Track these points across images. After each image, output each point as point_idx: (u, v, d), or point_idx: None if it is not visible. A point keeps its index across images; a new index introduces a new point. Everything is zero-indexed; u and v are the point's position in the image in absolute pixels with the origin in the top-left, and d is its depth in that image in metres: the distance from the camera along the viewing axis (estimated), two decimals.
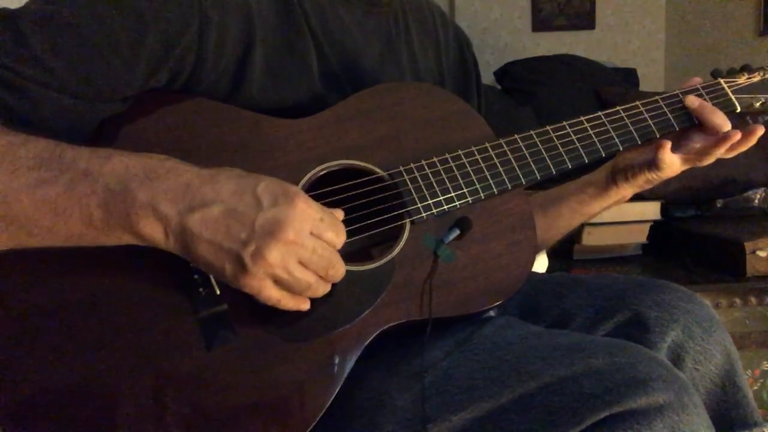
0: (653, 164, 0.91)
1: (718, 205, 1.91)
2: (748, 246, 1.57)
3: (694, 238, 1.76)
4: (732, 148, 0.89)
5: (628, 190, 0.97)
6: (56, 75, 0.65)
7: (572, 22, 3.08)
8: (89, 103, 0.68)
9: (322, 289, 0.68)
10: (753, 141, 0.89)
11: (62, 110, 0.66)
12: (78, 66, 0.66)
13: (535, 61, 2.59)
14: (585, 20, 3.08)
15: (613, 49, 3.10)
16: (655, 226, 1.82)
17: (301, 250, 0.64)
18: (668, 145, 0.89)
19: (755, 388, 1.57)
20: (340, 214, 0.70)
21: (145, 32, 0.69)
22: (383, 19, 0.94)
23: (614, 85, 2.43)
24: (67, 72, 0.66)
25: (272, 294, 0.65)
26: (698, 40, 2.96)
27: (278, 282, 0.65)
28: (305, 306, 0.68)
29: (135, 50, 0.68)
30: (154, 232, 0.62)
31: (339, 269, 0.68)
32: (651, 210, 1.78)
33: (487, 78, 2.65)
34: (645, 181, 0.94)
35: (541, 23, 3.07)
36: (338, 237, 0.67)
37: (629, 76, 2.65)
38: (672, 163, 0.90)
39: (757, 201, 1.90)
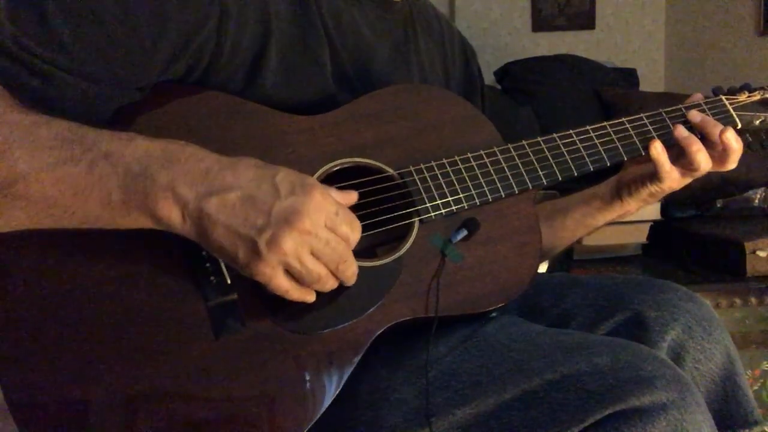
0: (654, 176, 0.91)
1: (718, 205, 1.91)
2: (748, 246, 1.57)
3: (694, 238, 1.76)
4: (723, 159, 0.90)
5: (632, 204, 0.98)
6: (77, 60, 0.66)
7: (572, 22, 3.08)
8: (107, 89, 0.68)
9: (331, 283, 0.68)
10: (736, 150, 0.89)
11: (80, 95, 0.67)
12: (99, 53, 0.67)
13: (535, 61, 2.59)
14: (585, 20, 3.08)
15: (613, 49, 3.10)
16: (655, 226, 1.82)
17: (315, 240, 0.64)
18: (656, 142, 0.89)
19: (755, 388, 1.57)
20: (354, 195, 0.71)
21: (166, 23, 0.69)
22: (394, 23, 0.95)
23: (614, 85, 2.43)
24: (89, 58, 0.66)
25: (282, 283, 0.66)
26: (698, 40, 2.96)
27: (289, 271, 0.65)
28: (310, 298, 0.69)
29: (155, 40, 0.69)
30: (171, 214, 0.63)
31: (350, 266, 0.69)
32: (651, 210, 1.78)
33: (487, 78, 2.64)
34: (648, 194, 0.95)
35: (541, 23, 3.07)
36: (353, 232, 0.67)
37: (629, 76, 2.65)
38: (671, 171, 0.90)
39: (757, 201, 1.90)
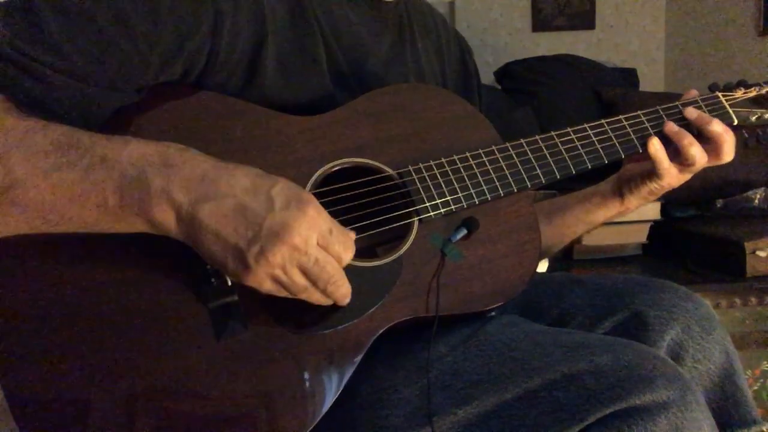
0: (653, 173, 0.92)
1: (718, 205, 1.91)
2: (748, 246, 1.57)
3: (694, 238, 1.76)
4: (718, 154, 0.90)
5: (632, 201, 0.99)
6: (71, 62, 0.66)
7: (572, 22, 3.07)
8: (103, 91, 0.68)
9: (317, 296, 0.68)
10: (727, 140, 0.89)
11: (77, 96, 0.67)
12: (93, 54, 0.67)
13: (535, 61, 2.59)
14: (585, 20, 3.08)
15: (613, 49, 3.10)
16: (655, 226, 1.82)
17: (304, 258, 0.64)
18: (654, 139, 0.90)
19: (755, 388, 1.57)
20: (352, 234, 0.69)
21: (159, 25, 0.70)
22: (389, 22, 0.95)
23: (614, 85, 2.43)
24: (83, 59, 0.66)
25: (271, 289, 0.66)
26: (698, 40, 2.96)
27: (276, 281, 0.65)
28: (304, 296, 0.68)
29: (150, 43, 0.69)
30: (166, 218, 0.63)
31: (340, 287, 0.68)
32: (651, 210, 1.78)
33: (487, 78, 2.65)
34: (648, 192, 0.96)
35: (541, 23, 3.07)
36: (346, 252, 0.67)
37: (629, 76, 2.65)
38: (670, 168, 0.91)
39: (757, 201, 1.90)
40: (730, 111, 0.94)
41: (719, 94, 0.96)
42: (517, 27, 3.08)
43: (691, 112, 0.92)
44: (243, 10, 0.76)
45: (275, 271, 0.64)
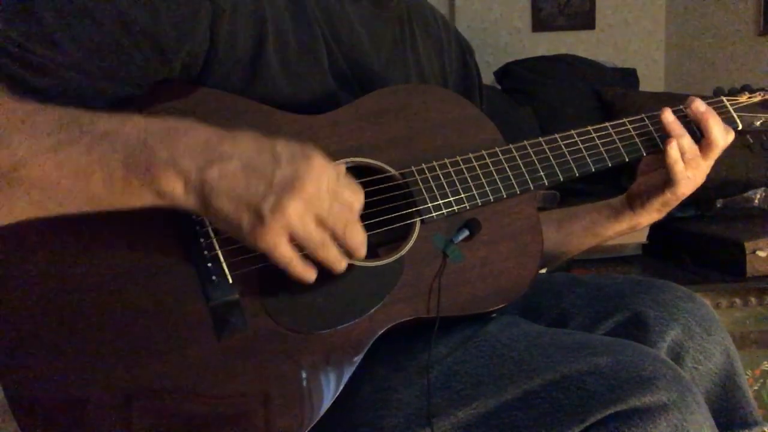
0: (666, 181, 0.91)
1: (718, 205, 1.91)
2: (748, 246, 1.57)
3: (694, 238, 1.76)
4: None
5: (644, 216, 0.98)
6: (72, 57, 0.66)
7: (572, 22, 3.08)
8: (101, 84, 0.69)
9: (334, 252, 0.67)
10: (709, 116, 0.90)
11: (75, 89, 0.67)
12: (92, 50, 0.67)
13: (535, 61, 2.59)
14: (585, 20, 3.08)
15: (613, 49, 3.10)
16: (655, 226, 1.82)
17: (319, 204, 0.64)
18: (673, 140, 0.89)
19: (755, 388, 1.57)
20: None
21: (158, 22, 0.70)
22: (390, 22, 0.95)
23: (614, 85, 2.43)
24: (82, 54, 0.67)
25: (285, 252, 0.65)
26: (698, 40, 2.96)
27: (294, 238, 0.64)
28: (311, 275, 0.67)
29: (148, 39, 0.69)
30: (174, 187, 0.62)
31: (358, 232, 0.67)
32: None
33: (487, 78, 2.65)
34: (661, 204, 0.95)
35: (541, 23, 3.07)
36: (356, 196, 0.67)
37: (629, 76, 2.65)
38: (683, 171, 0.90)
39: (757, 201, 1.90)
40: (735, 115, 0.94)
41: (724, 99, 0.96)
42: (517, 27, 3.08)
43: (697, 106, 0.91)
44: (242, 10, 0.76)
45: (292, 224, 0.63)
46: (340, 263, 0.68)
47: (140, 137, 0.62)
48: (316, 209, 0.64)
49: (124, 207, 0.64)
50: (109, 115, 0.64)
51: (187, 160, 0.62)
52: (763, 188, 1.90)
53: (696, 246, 1.74)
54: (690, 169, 0.90)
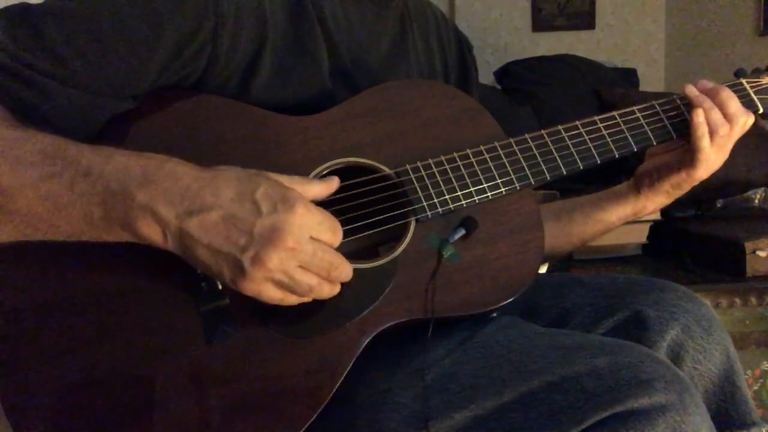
0: (687, 161, 0.88)
1: (718, 205, 1.91)
2: (748, 246, 1.57)
3: (694, 238, 1.76)
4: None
5: (650, 198, 0.95)
6: (71, 69, 0.66)
7: (572, 22, 3.08)
8: (101, 98, 0.68)
9: (327, 289, 0.68)
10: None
11: (74, 105, 0.67)
12: (93, 61, 0.67)
13: (535, 61, 2.59)
14: (585, 20, 3.08)
15: (613, 49, 3.10)
16: (655, 226, 1.82)
17: (301, 254, 0.64)
18: (699, 109, 0.85)
19: (755, 388, 1.57)
20: (335, 181, 0.72)
21: (160, 30, 0.69)
22: (391, 19, 0.95)
23: (614, 85, 2.43)
24: (82, 67, 0.66)
25: (273, 295, 0.65)
26: (698, 40, 2.96)
27: (279, 285, 0.65)
28: (307, 300, 0.68)
29: (150, 48, 0.69)
30: (152, 233, 0.63)
31: (343, 269, 0.68)
32: None
33: (487, 78, 2.65)
34: (672, 185, 0.92)
35: (541, 23, 3.07)
36: (335, 236, 0.67)
37: (629, 76, 2.65)
38: (710, 150, 0.87)
39: (757, 201, 1.90)
40: (755, 97, 0.91)
41: (743, 81, 0.92)
42: (517, 27, 3.08)
43: (705, 82, 0.89)
44: (245, 13, 0.76)
45: (275, 276, 0.63)
46: (332, 292, 0.69)
47: (120, 180, 0.62)
48: (298, 260, 0.64)
49: (107, 241, 0.65)
50: (92, 150, 0.64)
51: (165, 208, 0.62)
52: (763, 188, 1.90)
53: (696, 246, 1.74)
54: (715, 145, 0.87)
